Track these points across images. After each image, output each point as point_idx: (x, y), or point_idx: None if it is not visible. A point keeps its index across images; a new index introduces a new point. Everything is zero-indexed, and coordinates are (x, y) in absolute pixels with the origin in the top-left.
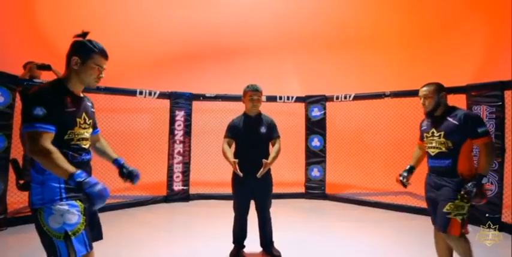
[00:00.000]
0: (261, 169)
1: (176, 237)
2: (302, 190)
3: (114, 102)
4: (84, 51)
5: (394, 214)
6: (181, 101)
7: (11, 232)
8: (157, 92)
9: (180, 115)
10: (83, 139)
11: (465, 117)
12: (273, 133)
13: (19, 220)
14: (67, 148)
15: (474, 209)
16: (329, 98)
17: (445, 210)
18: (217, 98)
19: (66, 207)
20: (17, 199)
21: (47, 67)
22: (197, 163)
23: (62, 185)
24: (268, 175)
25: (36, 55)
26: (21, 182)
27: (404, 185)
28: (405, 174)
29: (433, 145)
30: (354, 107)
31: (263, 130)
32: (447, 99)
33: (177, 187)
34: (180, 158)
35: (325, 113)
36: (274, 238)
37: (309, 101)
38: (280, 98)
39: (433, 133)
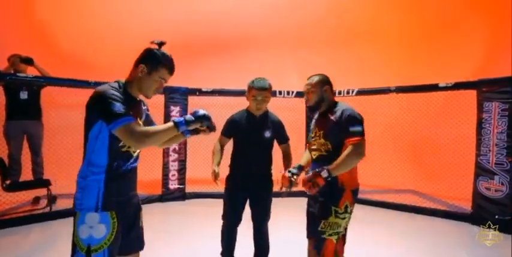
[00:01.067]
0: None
1: (174, 237)
2: (302, 188)
3: None
4: (152, 61)
5: (396, 213)
6: (176, 96)
7: (0, 234)
8: None
9: (175, 111)
10: None
11: (341, 114)
12: (281, 137)
13: (7, 223)
14: (115, 157)
15: (483, 210)
16: None
17: (319, 229)
18: (214, 92)
19: (97, 219)
20: (3, 201)
21: (29, 61)
22: (193, 160)
23: (101, 192)
24: (268, 180)
25: (37, 55)
26: (7, 182)
27: (291, 184)
28: (295, 171)
29: (315, 146)
30: (356, 102)
31: (267, 134)
32: (332, 93)
33: (173, 185)
34: (176, 155)
35: None
36: (274, 238)
37: None
38: (280, 92)
39: (315, 132)
